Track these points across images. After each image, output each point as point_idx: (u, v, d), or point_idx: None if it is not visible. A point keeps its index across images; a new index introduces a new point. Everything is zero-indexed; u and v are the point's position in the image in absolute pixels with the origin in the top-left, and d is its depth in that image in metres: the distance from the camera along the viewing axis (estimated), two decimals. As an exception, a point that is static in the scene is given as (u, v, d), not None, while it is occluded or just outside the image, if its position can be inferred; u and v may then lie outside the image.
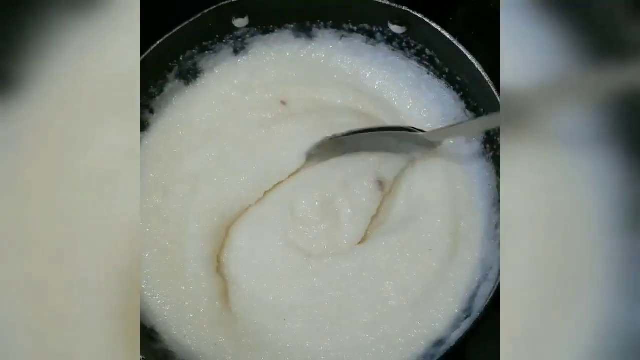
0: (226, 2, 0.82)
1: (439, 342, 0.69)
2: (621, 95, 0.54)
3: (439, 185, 0.80)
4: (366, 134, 0.79)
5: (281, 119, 0.84)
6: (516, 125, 0.57)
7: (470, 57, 0.75)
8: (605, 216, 0.54)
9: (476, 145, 0.81)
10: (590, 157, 0.56)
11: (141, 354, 0.65)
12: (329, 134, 0.80)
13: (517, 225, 0.56)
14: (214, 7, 0.82)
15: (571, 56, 0.56)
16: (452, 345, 0.65)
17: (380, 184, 0.80)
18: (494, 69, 0.72)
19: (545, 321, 0.54)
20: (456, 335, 0.66)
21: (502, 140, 0.57)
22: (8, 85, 0.56)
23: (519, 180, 0.57)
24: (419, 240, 0.77)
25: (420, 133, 0.76)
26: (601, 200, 0.55)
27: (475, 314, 0.66)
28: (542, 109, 0.57)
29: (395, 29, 0.83)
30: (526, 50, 0.58)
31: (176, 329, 0.75)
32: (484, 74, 0.74)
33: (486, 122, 0.72)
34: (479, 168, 0.80)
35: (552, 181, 0.57)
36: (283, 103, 0.86)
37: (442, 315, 0.72)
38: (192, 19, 0.81)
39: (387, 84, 0.88)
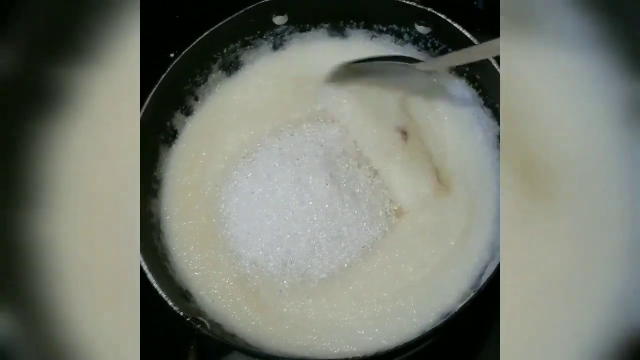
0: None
1: (448, 314, 0.73)
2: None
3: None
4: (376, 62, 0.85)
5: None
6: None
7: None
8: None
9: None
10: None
11: (179, 309, 0.72)
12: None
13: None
14: (256, 4, 0.90)
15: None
16: (456, 314, 0.70)
17: (404, 133, 0.86)
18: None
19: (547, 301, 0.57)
20: (461, 307, 0.70)
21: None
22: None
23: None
24: (440, 219, 0.82)
25: (419, 62, 0.83)
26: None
27: (479, 290, 0.70)
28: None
29: (421, 29, 0.89)
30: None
31: (205, 293, 0.81)
32: (500, 70, 0.77)
33: (483, 49, 0.76)
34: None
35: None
36: None
37: (453, 291, 0.77)
38: (235, 14, 0.89)
39: None
